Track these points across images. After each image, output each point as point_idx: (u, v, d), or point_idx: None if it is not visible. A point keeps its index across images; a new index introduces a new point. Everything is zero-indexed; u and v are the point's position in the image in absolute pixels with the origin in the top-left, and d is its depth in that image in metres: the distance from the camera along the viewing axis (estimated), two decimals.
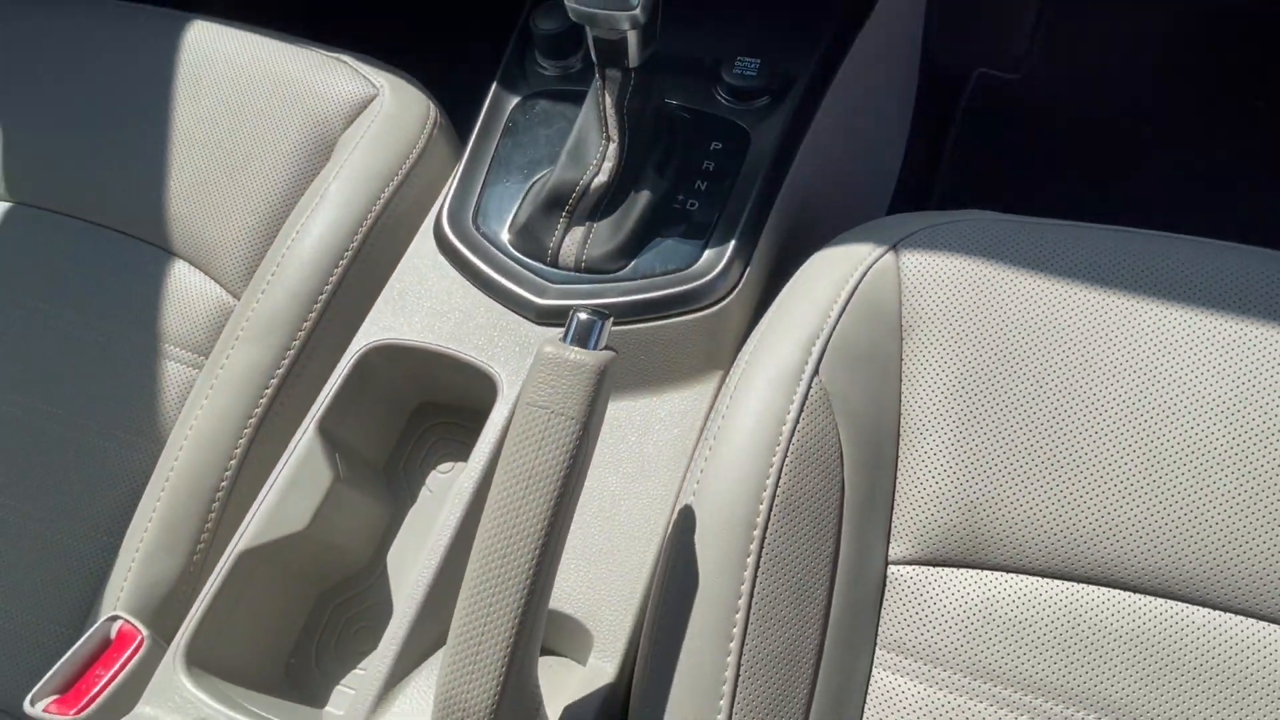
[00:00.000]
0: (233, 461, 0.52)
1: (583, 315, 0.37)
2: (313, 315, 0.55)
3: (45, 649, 0.55)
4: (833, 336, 0.47)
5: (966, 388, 0.46)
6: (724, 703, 0.40)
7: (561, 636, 0.49)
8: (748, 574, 0.42)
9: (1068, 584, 0.43)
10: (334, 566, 0.52)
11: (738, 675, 0.41)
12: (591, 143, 0.54)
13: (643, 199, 0.54)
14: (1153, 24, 1.12)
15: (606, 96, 0.52)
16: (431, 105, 0.65)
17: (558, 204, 0.54)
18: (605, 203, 0.54)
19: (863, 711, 0.43)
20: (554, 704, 0.43)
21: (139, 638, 0.47)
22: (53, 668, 0.45)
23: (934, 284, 0.48)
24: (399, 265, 0.57)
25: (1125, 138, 1.09)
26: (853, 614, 0.44)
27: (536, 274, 0.54)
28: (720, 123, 0.59)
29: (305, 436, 0.49)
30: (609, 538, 0.49)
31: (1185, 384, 0.44)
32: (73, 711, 0.44)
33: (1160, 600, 0.42)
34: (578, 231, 0.54)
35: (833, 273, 0.49)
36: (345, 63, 0.66)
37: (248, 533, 0.48)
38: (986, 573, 0.44)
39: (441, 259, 0.56)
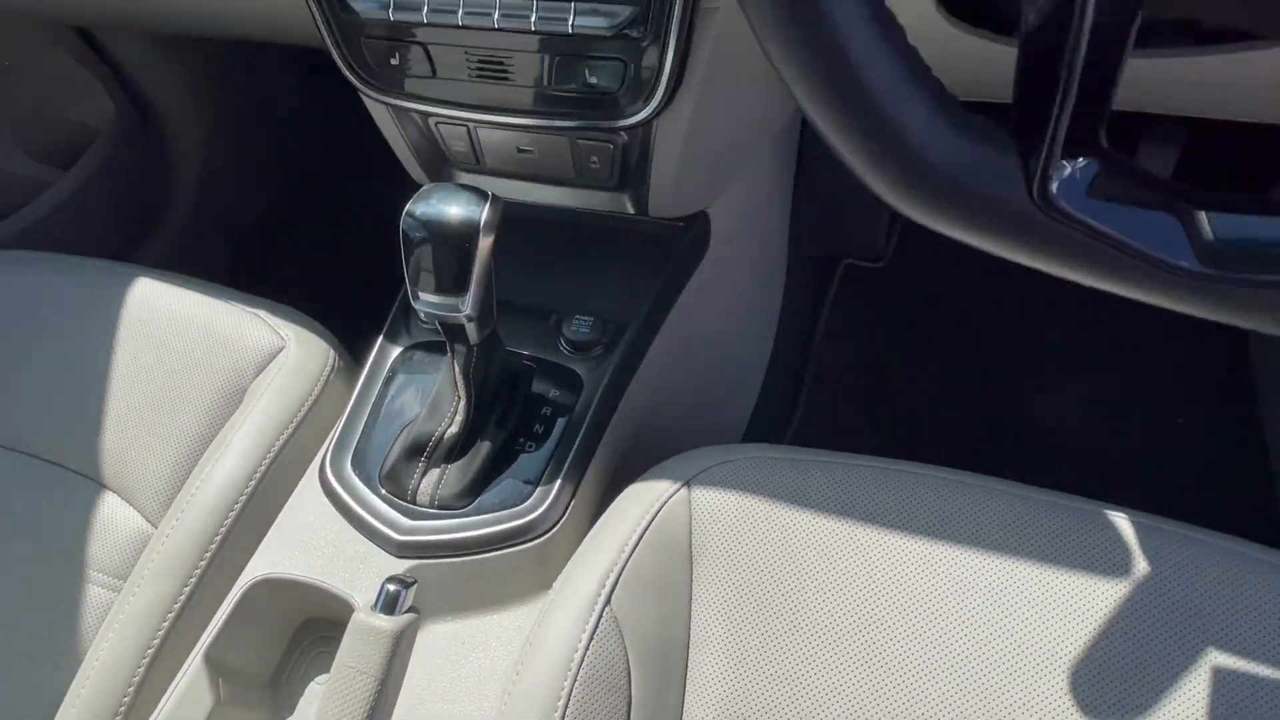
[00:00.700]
0: (130, 689, 0.61)
1: (390, 586, 0.48)
2: (209, 553, 0.65)
3: None
4: (626, 567, 0.57)
5: (741, 610, 0.56)
6: None
7: None
8: None
9: None
10: None
11: None
12: (447, 398, 0.66)
13: (486, 446, 0.66)
14: None
15: (455, 365, 0.65)
16: (331, 353, 0.77)
17: (418, 451, 0.66)
18: (457, 449, 0.66)
19: None
20: None
21: None
22: None
23: (717, 517, 0.60)
24: (287, 503, 0.68)
25: (981, 326, 1.24)
26: None
27: (398, 511, 0.65)
28: (559, 369, 0.72)
29: (191, 668, 0.59)
30: None
31: (903, 606, 0.54)
32: None
33: None
34: (434, 474, 0.66)
35: (633, 509, 0.60)
36: (259, 317, 0.79)
37: None
38: None
39: (323, 498, 0.67)
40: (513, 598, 0.63)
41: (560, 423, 0.69)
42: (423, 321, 0.76)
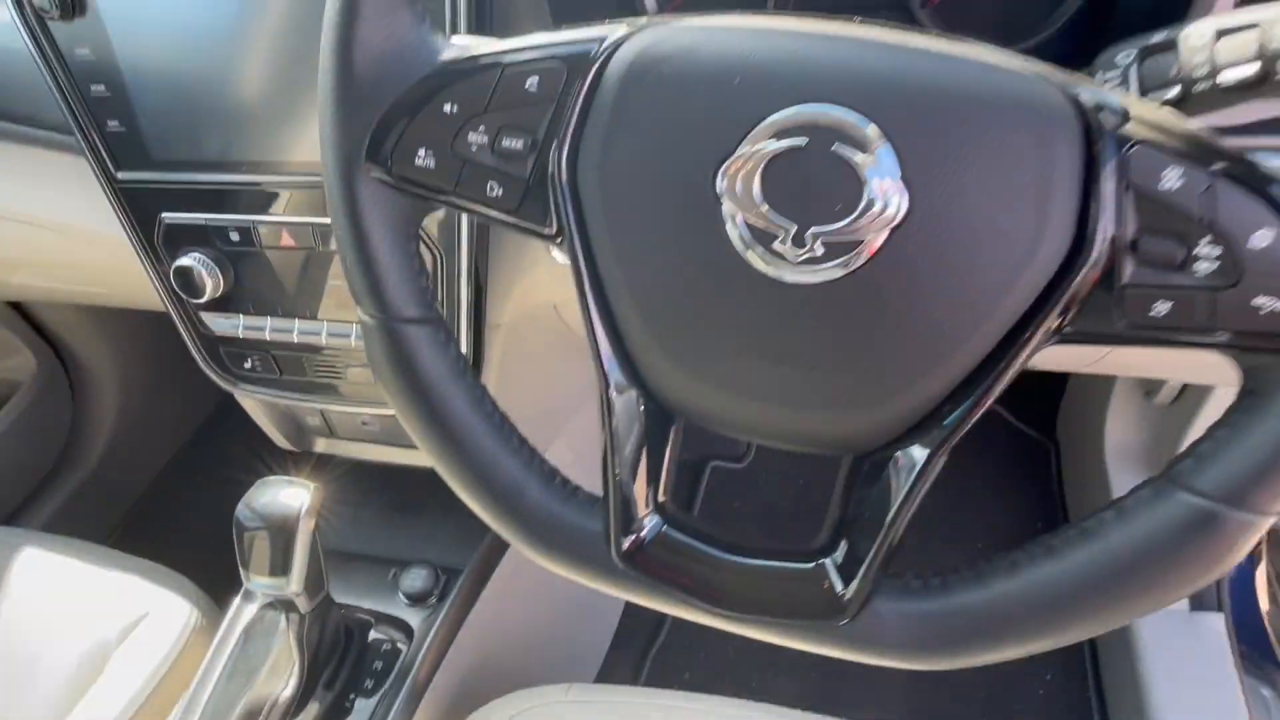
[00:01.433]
0: None
1: None
2: None
3: None
4: None
5: None
6: None
7: None
8: None
9: None
10: None
11: None
12: (283, 662, 0.74)
13: (314, 707, 0.73)
14: None
15: (290, 632, 0.73)
16: (195, 614, 0.85)
17: (253, 715, 0.72)
18: (291, 711, 0.73)
19: None
20: None
21: None
22: None
23: None
24: None
25: None
26: None
27: None
28: (395, 620, 0.80)
29: None
30: None
31: None
32: None
33: None
34: None
35: None
36: (132, 580, 0.86)
37: None
38: None
39: None
40: None
41: (390, 675, 0.76)
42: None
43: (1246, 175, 0.31)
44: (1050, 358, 0.39)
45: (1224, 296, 0.32)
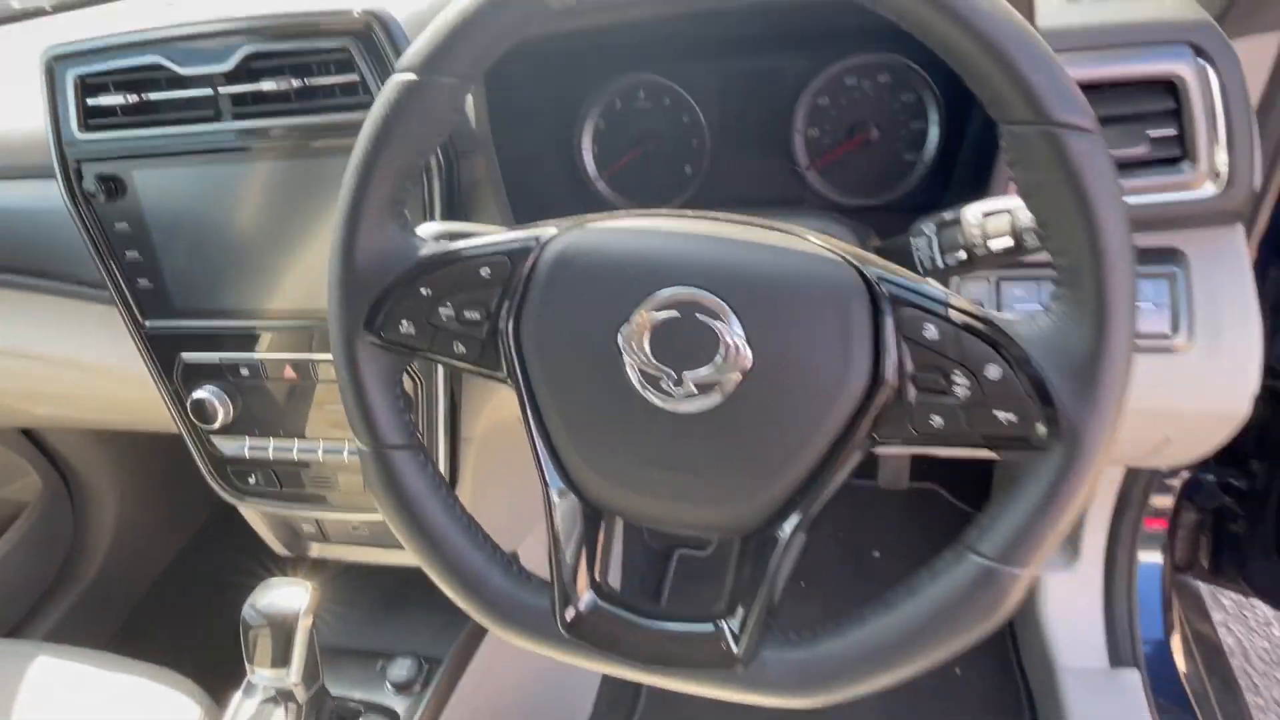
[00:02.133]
0: None
1: None
2: None
3: None
4: None
5: None
6: None
7: None
8: None
9: None
10: None
11: None
12: None
13: None
14: None
15: None
16: (197, 708, 0.92)
17: None
18: None
19: None
20: None
21: None
22: None
23: None
24: None
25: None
26: None
27: None
28: (383, 708, 0.89)
29: None
30: None
31: None
32: None
33: None
34: None
35: None
36: (138, 685, 0.94)
37: None
38: None
39: None
40: None
41: None
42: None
43: (979, 327, 0.45)
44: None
45: (976, 412, 0.45)
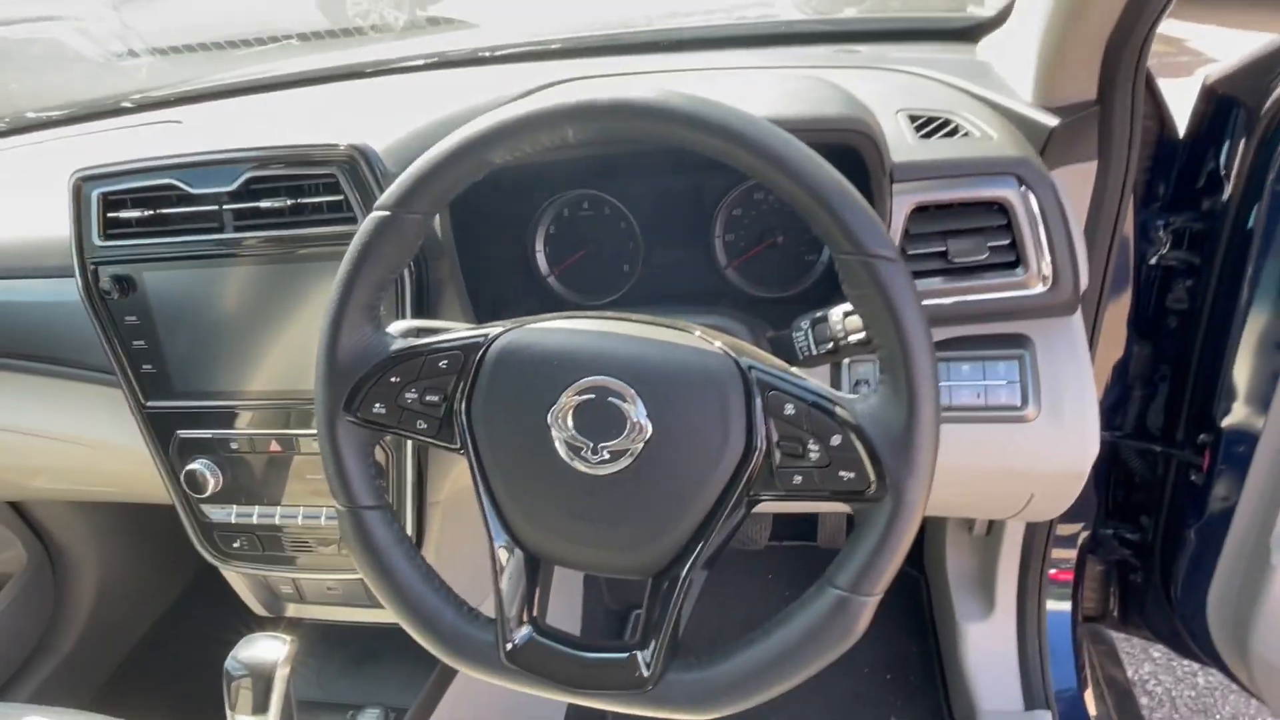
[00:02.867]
0: None
1: None
2: None
3: None
4: None
5: None
6: None
7: None
8: None
9: None
10: None
11: None
12: None
13: None
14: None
15: None
16: None
17: None
18: None
19: None
20: None
21: None
22: None
23: None
24: None
25: None
26: None
27: None
28: None
29: None
30: None
31: None
32: None
33: None
34: None
35: None
36: None
37: None
38: None
39: None
40: None
41: None
42: None
43: (825, 404, 0.58)
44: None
45: (825, 471, 0.58)
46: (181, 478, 0.95)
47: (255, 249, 0.87)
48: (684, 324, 0.64)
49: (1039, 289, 0.80)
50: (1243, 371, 0.97)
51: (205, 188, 0.87)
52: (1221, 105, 0.89)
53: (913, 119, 0.85)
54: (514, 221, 1.00)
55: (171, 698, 1.36)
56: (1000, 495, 0.91)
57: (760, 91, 0.86)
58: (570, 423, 0.60)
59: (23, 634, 1.46)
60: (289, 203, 0.85)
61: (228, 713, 0.86)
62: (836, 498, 0.59)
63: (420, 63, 1.30)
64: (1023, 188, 0.77)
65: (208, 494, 0.96)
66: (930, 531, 1.48)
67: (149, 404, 0.96)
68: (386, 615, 1.09)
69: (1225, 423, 1.00)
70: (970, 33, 1.05)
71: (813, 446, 0.58)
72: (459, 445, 0.64)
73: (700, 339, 0.61)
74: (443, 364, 0.63)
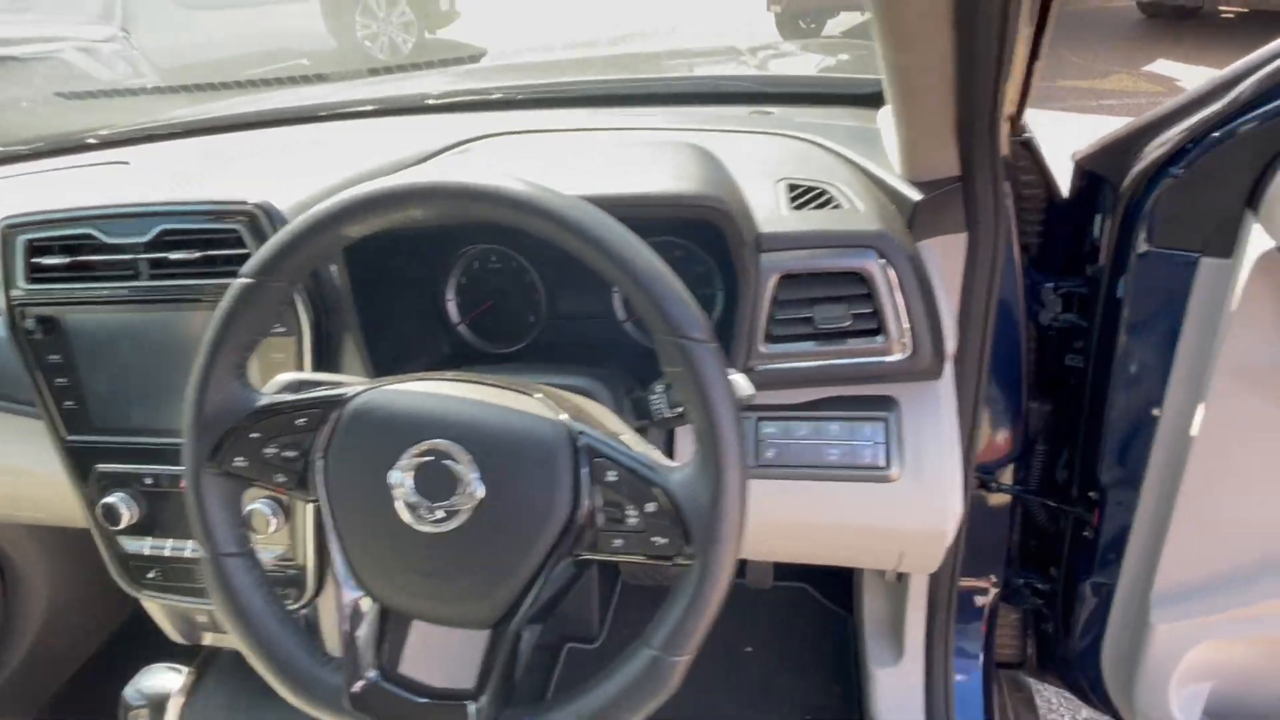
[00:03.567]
0: None
1: None
2: None
3: None
4: None
5: None
6: None
7: None
8: None
9: None
10: None
11: None
12: None
13: None
14: None
15: None
16: None
17: None
18: None
19: None
20: None
21: None
22: None
23: None
24: None
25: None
26: None
27: None
28: None
29: None
30: None
31: None
32: None
33: None
34: None
35: None
36: None
37: None
38: None
39: None
40: None
41: None
42: None
43: (642, 472, 0.62)
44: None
45: (642, 536, 0.61)
46: (98, 510, 1.00)
47: (169, 295, 0.92)
48: (534, 387, 0.68)
49: (900, 355, 0.83)
50: (1119, 434, 1.00)
51: (122, 238, 0.92)
52: (1091, 180, 0.93)
53: (792, 188, 0.90)
54: (427, 272, 1.04)
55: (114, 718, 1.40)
56: (872, 550, 0.94)
57: (635, 163, 0.90)
58: (409, 483, 0.64)
59: None
60: (199, 255, 0.90)
61: None
62: (653, 560, 0.62)
63: (369, 109, 1.35)
64: (882, 260, 0.81)
65: (123, 526, 1.00)
66: (855, 574, 1.50)
67: (70, 438, 1.00)
68: None
69: (1107, 482, 1.03)
70: (873, 99, 1.09)
71: (631, 512, 0.62)
72: (314, 496, 0.68)
73: (541, 403, 0.65)
74: (300, 421, 0.68)
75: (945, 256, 0.88)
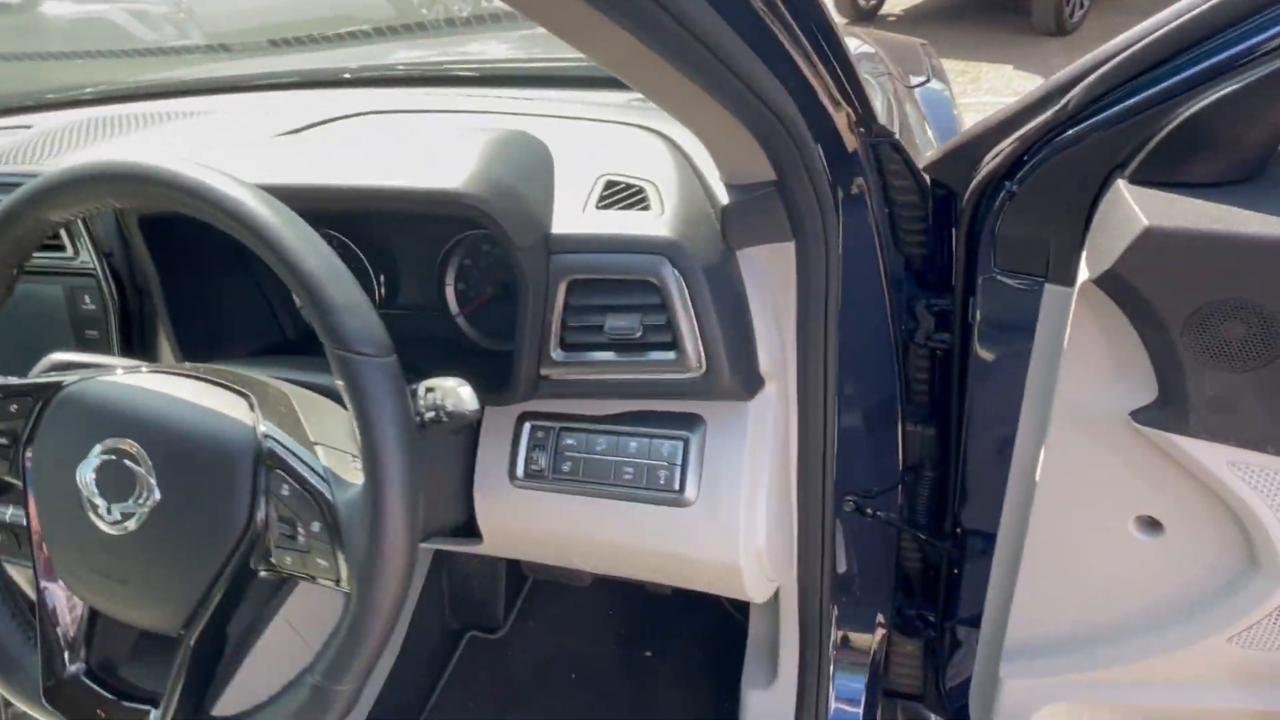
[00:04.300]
0: None
1: None
2: None
3: None
4: None
5: None
6: None
7: None
8: None
9: None
10: None
11: None
12: None
13: None
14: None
15: None
16: None
17: None
18: None
19: None
20: None
21: None
22: None
23: None
24: None
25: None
26: None
27: None
28: None
29: None
30: None
31: None
32: None
33: None
34: None
35: None
36: None
37: None
38: None
39: None
40: None
41: None
42: None
43: (313, 489, 0.58)
44: None
45: (308, 557, 0.58)
46: None
47: None
48: (259, 385, 0.65)
49: (695, 373, 0.77)
50: (976, 472, 0.91)
51: None
52: (940, 191, 0.84)
53: (609, 185, 0.83)
54: (250, 255, 1.01)
55: None
56: (681, 574, 0.89)
57: (437, 153, 0.84)
58: (92, 481, 0.61)
59: None
60: None
61: None
62: (328, 583, 0.59)
63: (264, 82, 1.33)
64: (675, 270, 0.75)
65: None
66: None
67: None
68: None
69: (966, 522, 0.95)
70: None
71: (300, 530, 0.58)
72: (24, 487, 0.66)
73: (244, 406, 0.62)
74: (13, 407, 0.66)
75: (777, 266, 0.81)
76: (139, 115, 1.24)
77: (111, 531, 0.61)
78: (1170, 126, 0.60)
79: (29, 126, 1.31)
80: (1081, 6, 4.95)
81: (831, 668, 1.21)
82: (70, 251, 0.89)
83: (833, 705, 1.23)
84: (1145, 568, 0.77)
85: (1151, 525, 0.75)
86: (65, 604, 0.67)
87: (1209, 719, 0.82)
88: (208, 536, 0.59)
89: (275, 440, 0.60)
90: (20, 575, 0.78)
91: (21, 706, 0.67)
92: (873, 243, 0.88)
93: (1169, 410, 0.66)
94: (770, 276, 0.81)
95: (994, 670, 0.95)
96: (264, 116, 1.15)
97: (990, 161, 0.73)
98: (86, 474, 0.61)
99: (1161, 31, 0.60)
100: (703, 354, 0.76)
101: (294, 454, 0.60)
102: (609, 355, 0.79)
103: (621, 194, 0.82)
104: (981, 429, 0.89)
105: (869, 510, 1.09)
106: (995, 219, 0.76)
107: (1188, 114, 0.59)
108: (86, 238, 0.88)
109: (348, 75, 1.30)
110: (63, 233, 0.87)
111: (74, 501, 0.62)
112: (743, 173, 0.77)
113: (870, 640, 1.23)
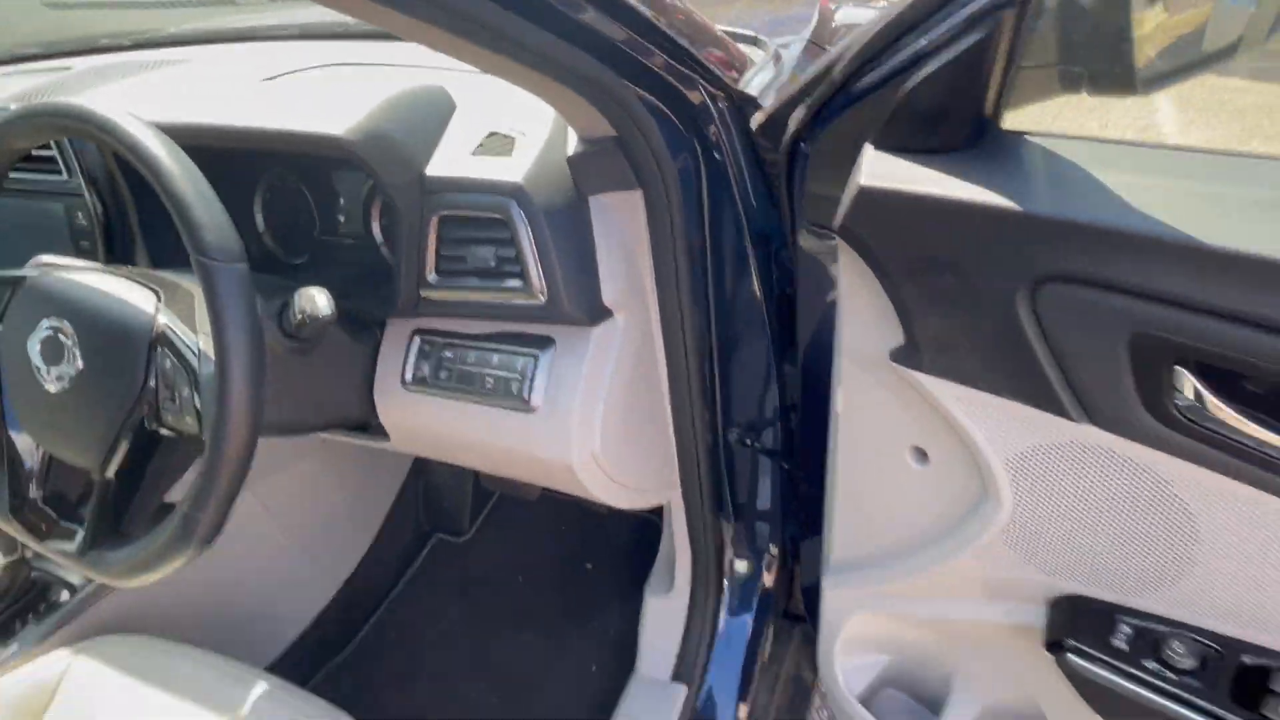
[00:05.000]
0: None
1: None
2: None
3: None
4: None
5: None
6: None
7: None
8: None
9: None
10: None
11: None
12: None
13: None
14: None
15: None
16: None
17: None
18: None
19: None
20: None
21: None
22: None
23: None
24: None
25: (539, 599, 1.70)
26: None
27: None
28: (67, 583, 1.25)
29: None
30: None
31: None
32: None
33: None
34: None
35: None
36: None
37: None
38: None
39: None
40: None
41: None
42: None
43: (185, 363, 0.75)
44: None
45: (180, 415, 0.76)
46: None
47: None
48: (168, 284, 0.82)
49: (540, 301, 0.91)
50: (812, 408, 1.02)
51: None
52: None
53: (490, 135, 0.97)
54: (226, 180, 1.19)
55: None
56: (530, 470, 1.03)
57: (339, 99, 0.97)
58: (37, 350, 0.81)
59: None
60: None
61: None
62: (187, 436, 0.76)
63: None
64: (521, 210, 0.88)
65: None
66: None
67: None
68: None
69: (810, 451, 1.06)
70: None
71: (177, 395, 0.76)
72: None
73: (150, 298, 0.80)
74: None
75: (626, 212, 0.93)
76: (152, 61, 1.43)
77: (51, 389, 0.80)
78: (896, 101, 0.69)
79: (69, 69, 1.52)
80: None
81: (726, 583, 1.34)
82: (66, 176, 1.08)
83: (723, 619, 1.37)
84: (918, 493, 0.87)
85: (921, 455, 0.85)
86: (30, 445, 0.87)
87: (971, 631, 0.93)
88: (114, 396, 0.78)
89: (169, 326, 0.78)
90: None
91: None
92: (732, 195, 0.99)
93: (909, 350, 0.76)
94: (621, 220, 0.93)
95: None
96: (252, 65, 1.33)
97: (794, 123, 0.83)
98: (34, 345, 0.81)
99: (894, 13, 0.69)
100: (544, 284, 0.90)
101: (180, 338, 0.77)
102: (473, 281, 0.93)
103: (495, 143, 0.96)
104: (808, 370, 1.00)
105: (748, 441, 1.21)
106: (801, 177, 0.86)
107: (906, 90, 0.68)
108: (78, 166, 1.08)
109: (339, 30, 1.45)
110: (61, 161, 1.07)
111: (26, 366, 0.82)
112: (589, 129, 0.89)
113: (761, 563, 1.36)
